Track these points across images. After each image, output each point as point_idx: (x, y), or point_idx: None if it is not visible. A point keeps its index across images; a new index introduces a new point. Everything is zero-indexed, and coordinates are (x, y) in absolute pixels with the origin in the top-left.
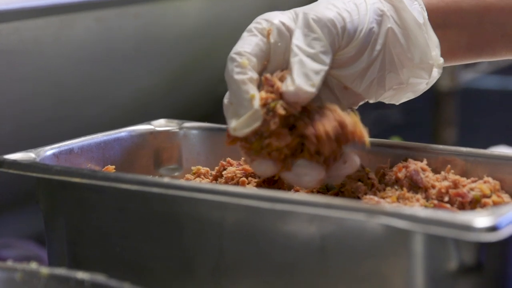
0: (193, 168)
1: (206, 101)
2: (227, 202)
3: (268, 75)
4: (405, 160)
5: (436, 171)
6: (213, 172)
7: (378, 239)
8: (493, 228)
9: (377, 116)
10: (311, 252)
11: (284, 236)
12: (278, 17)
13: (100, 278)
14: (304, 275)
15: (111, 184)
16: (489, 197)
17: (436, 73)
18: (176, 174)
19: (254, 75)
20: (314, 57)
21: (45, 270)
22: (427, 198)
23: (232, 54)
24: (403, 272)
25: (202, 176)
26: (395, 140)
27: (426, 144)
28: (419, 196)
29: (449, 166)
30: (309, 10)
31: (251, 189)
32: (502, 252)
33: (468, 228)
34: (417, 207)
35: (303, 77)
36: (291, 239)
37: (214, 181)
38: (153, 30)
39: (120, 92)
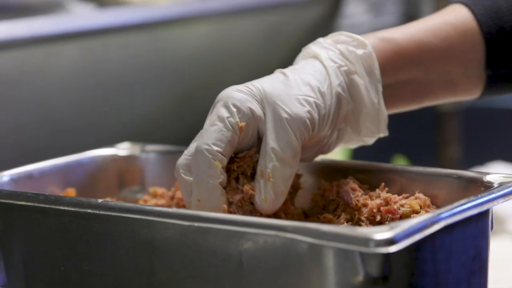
0: (150, 189)
1: None
2: (154, 221)
3: (239, 185)
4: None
5: (374, 189)
6: (170, 193)
7: (289, 254)
8: (391, 241)
9: None
10: (231, 268)
11: (206, 252)
12: (246, 104)
13: None
14: None
15: (52, 206)
16: (418, 212)
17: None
18: (138, 195)
19: (224, 177)
20: (286, 162)
21: None
22: (359, 216)
23: (203, 147)
24: (315, 286)
25: (158, 197)
26: (347, 160)
27: (369, 162)
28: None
29: (383, 184)
30: (280, 102)
31: (172, 209)
32: (406, 263)
33: (368, 241)
34: (321, 223)
35: (276, 187)
36: (213, 255)
37: (170, 201)
38: (145, 59)
39: (118, 120)
